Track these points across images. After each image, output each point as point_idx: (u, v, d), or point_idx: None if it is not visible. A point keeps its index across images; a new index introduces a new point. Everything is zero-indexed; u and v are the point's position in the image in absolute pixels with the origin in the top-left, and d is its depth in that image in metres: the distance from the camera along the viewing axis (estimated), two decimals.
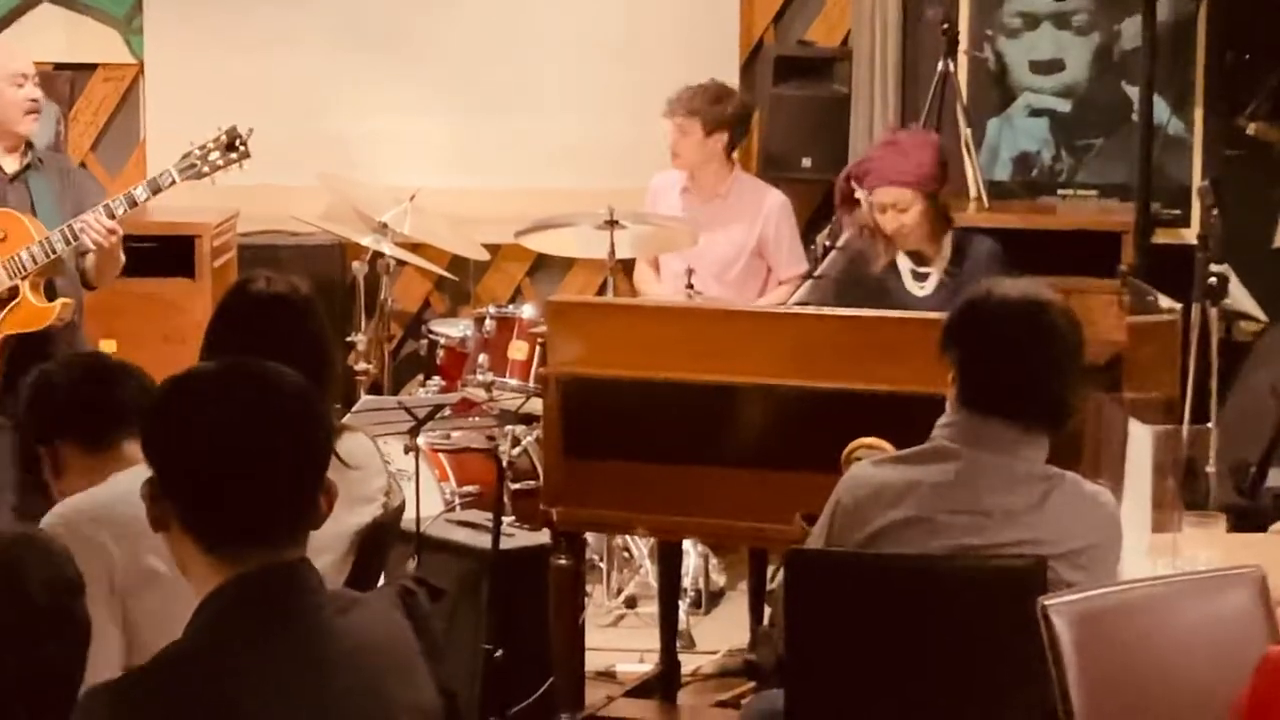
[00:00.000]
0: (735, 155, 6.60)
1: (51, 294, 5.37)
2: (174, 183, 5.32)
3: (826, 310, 4.79)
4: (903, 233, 5.20)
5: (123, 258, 5.39)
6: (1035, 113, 7.04)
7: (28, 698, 2.28)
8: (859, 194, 5.22)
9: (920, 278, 5.25)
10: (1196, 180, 6.66)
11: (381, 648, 2.41)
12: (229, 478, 2.33)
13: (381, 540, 3.84)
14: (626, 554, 6.07)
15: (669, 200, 6.49)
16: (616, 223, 5.80)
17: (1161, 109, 6.69)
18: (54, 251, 5.24)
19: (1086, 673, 3.01)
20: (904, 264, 5.26)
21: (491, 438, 6.13)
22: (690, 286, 6.04)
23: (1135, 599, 3.17)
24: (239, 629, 2.31)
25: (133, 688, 2.30)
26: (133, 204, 5.26)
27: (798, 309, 5.08)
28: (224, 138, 5.33)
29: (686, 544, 5.69)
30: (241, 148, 5.32)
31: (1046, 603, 3.06)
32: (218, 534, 2.35)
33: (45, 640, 2.19)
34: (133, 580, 3.05)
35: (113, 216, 5.22)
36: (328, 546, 3.56)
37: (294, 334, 3.54)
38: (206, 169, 5.32)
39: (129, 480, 2.97)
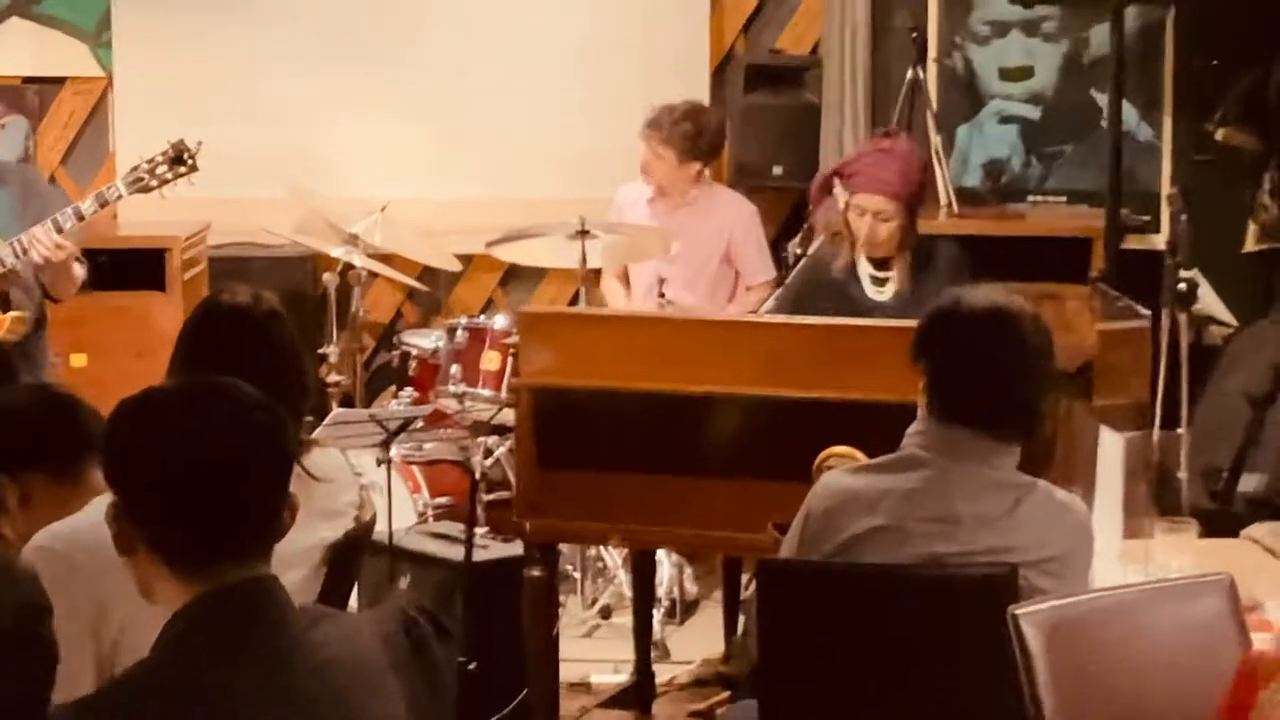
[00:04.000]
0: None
1: (5, 307, 5.34)
2: (121, 197, 5.30)
3: (798, 319, 4.79)
4: (875, 240, 5.19)
5: (79, 272, 5.35)
6: (1005, 119, 7.06)
7: None
8: (838, 190, 5.19)
9: (880, 283, 5.25)
10: (1166, 186, 6.68)
11: (350, 662, 2.41)
12: (192, 495, 2.33)
13: (353, 554, 3.82)
14: (601, 564, 6.06)
15: (636, 212, 6.48)
16: (588, 232, 5.80)
17: (1130, 115, 6.71)
18: (2, 265, 5.22)
19: (1058, 681, 3.01)
20: (864, 268, 5.25)
21: (464, 449, 6.13)
22: (662, 295, 6.05)
23: (1105, 607, 3.18)
24: (206, 645, 2.30)
25: (100, 706, 2.29)
26: (80, 218, 5.24)
27: (769, 318, 5.08)
28: (171, 151, 5.31)
29: (660, 554, 5.70)
30: (190, 161, 5.31)
31: (1017, 611, 3.07)
32: (183, 552, 2.34)
33: (11, 663, 2.18)
34: (129, 607, 2.99)
35: (60, 230, 5.20)
36: (299, 561, 3.54)
37: (263, 347, 3.52)
38: (154, 183, 5.31)
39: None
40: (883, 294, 5.24)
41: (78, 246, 5.31)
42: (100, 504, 3.03)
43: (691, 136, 6.36)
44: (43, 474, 3.24)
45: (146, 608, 2.84)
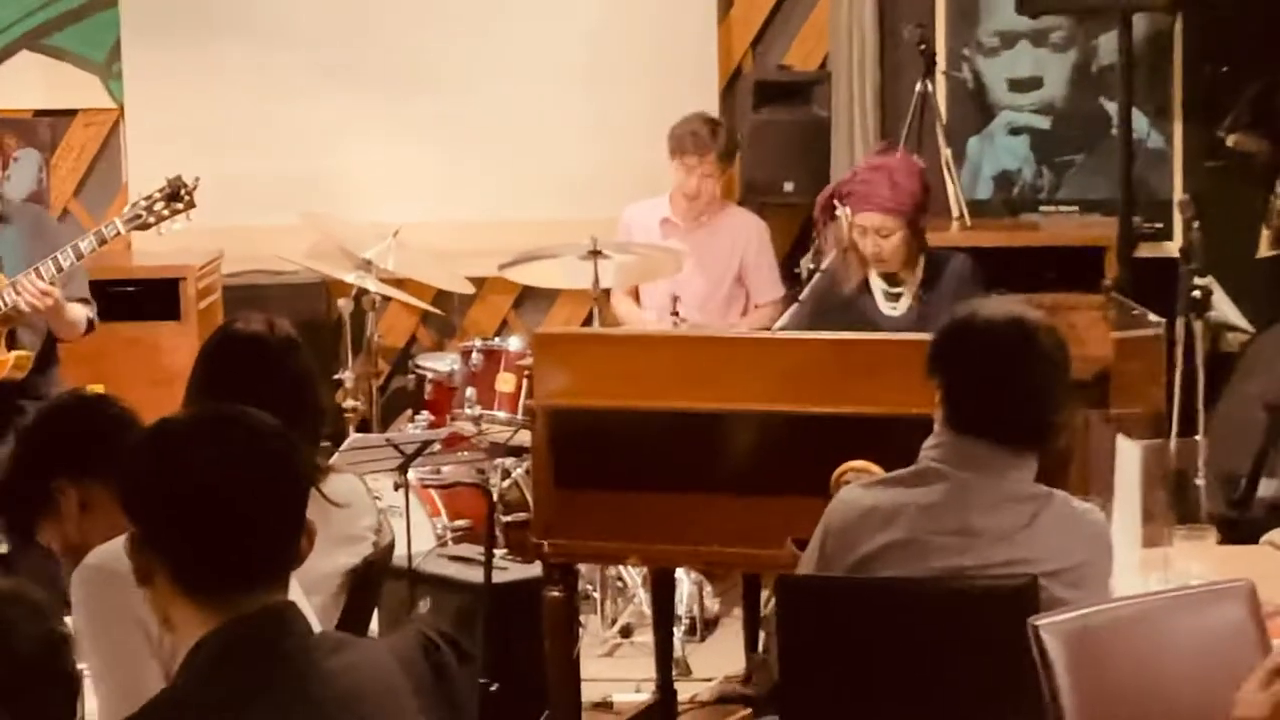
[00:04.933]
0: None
1: (12, 345, 5.35)
2: (119, 233, 5.32)
3: (813, 334, 4.79)
4: (881, 257, 5.19)
5: (78, 315, 5.36)
6: (1015, 130, 7.06)
7: None
8: (840, 212, 5.21)
9: (893, 298, 5.25)
10: (1178, 193, 6.68)
11: (371, 688, 2.41)
12: (208, 523, 2.33)
13: (373, 579, 3.83)
14: (620, 583, 6.06)
15: (646, 232, 6.50)
16: (600, 252, 5.81)
17: (1141, 123, 6.71)
18: (5, 305, 5.23)
19: (1079, 691, 3.00)
20: (877, 284, 5.26)
21: (481, 471, 6.12)
22: (676, 314, 6.05)
23: (1125, 616, 3.16)
24: (228, 674, 2.31)
25: None
26: (79, 256, 5.25)
27: (783, 334, 5.08)
28: (168, 188, 5.33)
29: (680, 572, 5.69)
30: (186, 197, 5.32)
31: (1037, 622, 3.06)
32: (201, 581, 2.35)
33: (33, 693, 2.19)
34: None
35: (60, 269, 5.20)
36: (318, 587, 3.55)
37: (278, 375, 3.54)
38: (152, 219, 5.32)
39: None
40: (896, 309, 5.24)
41: (85, 283, 5.32)
42: None
43: (730, 136, 6.47)
44: (101, 482, 3.22)
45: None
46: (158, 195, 5.33)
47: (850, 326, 4.95)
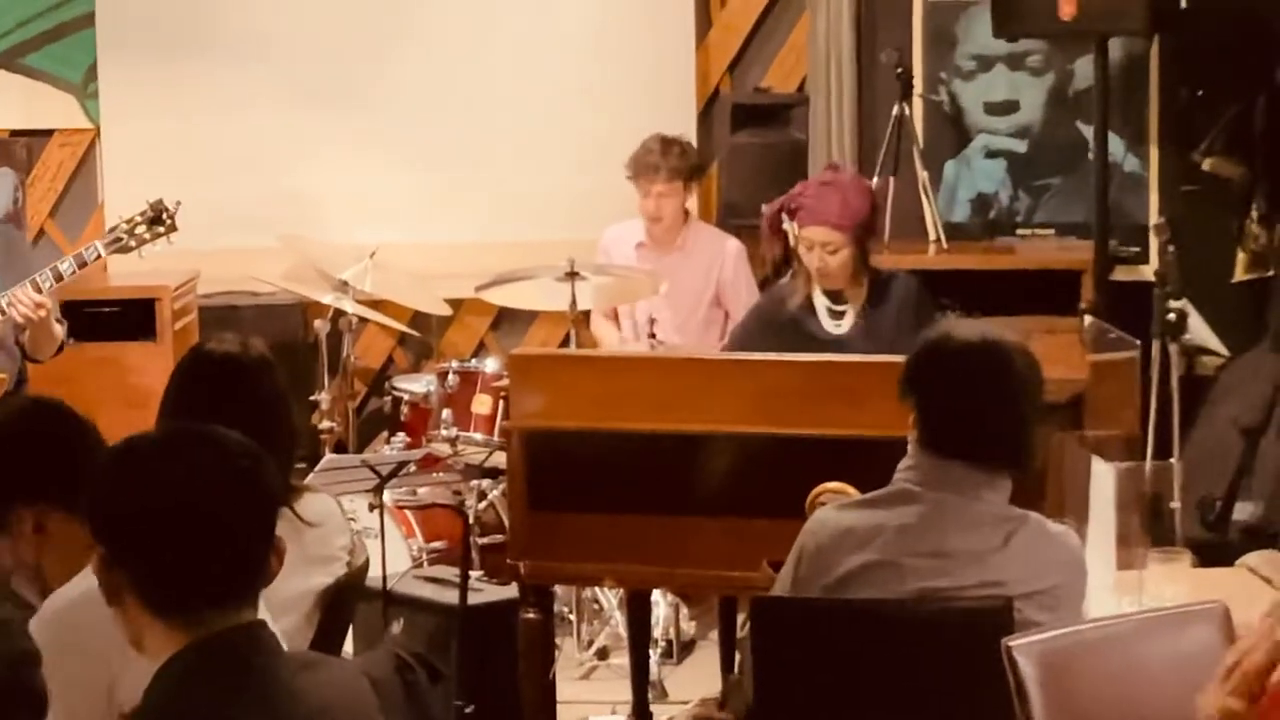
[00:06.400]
0: (693, 204, 6.63)
1: None
2: (100, 257, 5.31)
3: (788, 357, 4.79)
4: (826, 272, 5.21)
5: (59, 331, 5.33)
6: (991, 154, 7.07)
7: None
8: (786, 227, 5.24)
9: (837, 315, 5.27)
10: (1154, 217, 6.69)
11: (341, 707, 2.40)
12: (176, 541, 2.32)
13: (346, 599, 3.83)
14: (596, 605, 6.05)
15: (624, 254, 6.50)
16: (577, 274, 5.81)
17: (1117, 147, 6.73)
18: None
19: (1052, 712, 3.00)
20: (820, 302, 5.28)
21: (457, 493, 6.12)
22: (653, 336, 6.05)
23: (1099, 637, 3.17)
24: (197, 691, 2.30)
25: None
26: (59, 278, 5.23)
27: (759, 356, 5.07)
28: (150, 211, 5.32)
29: (656, 594, 5.68)
30: (168, 221, 5.32)
31: (1011, 643, 3.06)
32: (169, 599, 2.34)
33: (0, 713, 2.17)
34: (138, 671, 2.90)
35: (40, 291, 5.19)
36: (292, 607, 3.54)
37: (251, 395, 3.53)
38: (133, 243, 5.32)
39: None
40: (840, 326, 5.26)
41: (57, 304, 5.31)
42: None
43: (687, 156, 6.44)
44: (58, 505, 3.12)
45: (152, 667, 2.77)
46: (139, 219, 5.32)
47: (793, 345, 4.96)
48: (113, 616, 2.41)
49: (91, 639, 2.81)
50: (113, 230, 5.33)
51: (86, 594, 2.94)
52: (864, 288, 5.26)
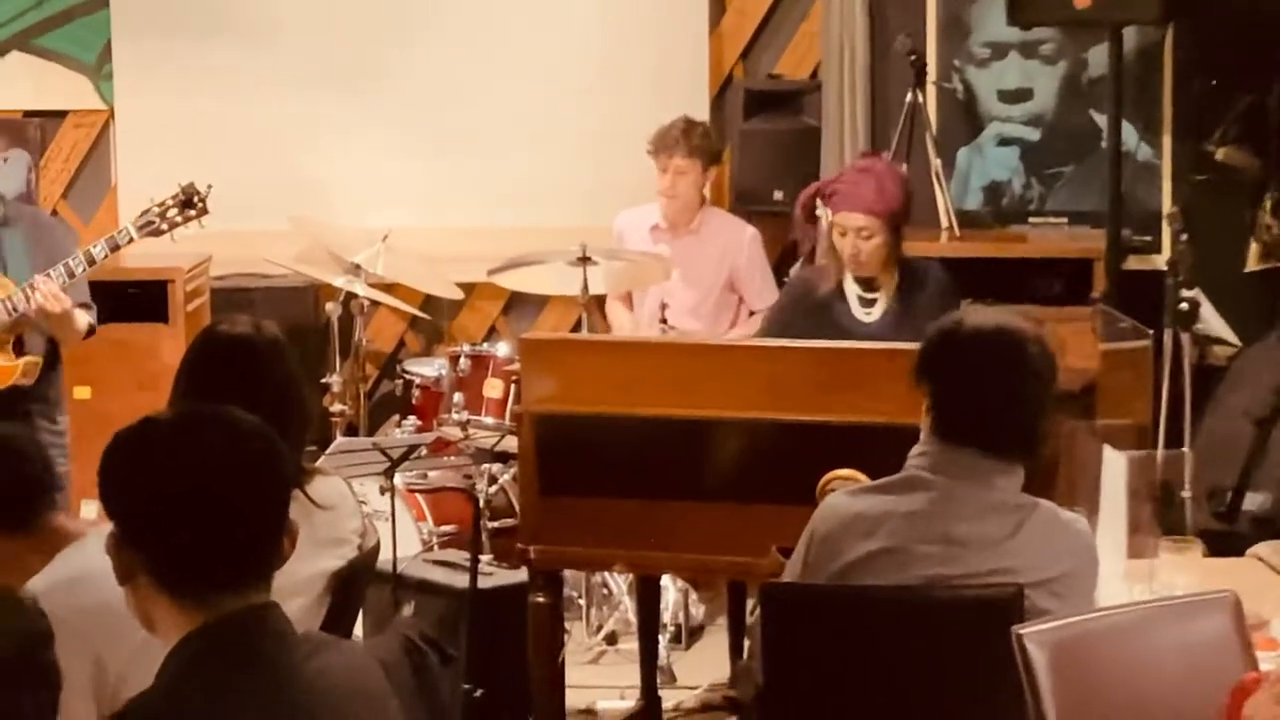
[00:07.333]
0: (707, 190, 6.62)
1: (20, 351, 5.32)
2: (132, 240, 5.30)
3: (799, 343, 4.79)
4: (859, 259, 5.22)
5: (82, 322, 5.32)
6: (1004, 141, 7.06)
7: None
8: (820, 212, 5.24)
9: (867, 304, 5.27)
10: (1166, 206, 6.69)
11: (352, 689, 2.40)
12: (189, 522, 2.33)
13: (357, 582, 3.82)
14: (605, 590, 6.05)
15: (638, 238, 6.50)
16: (589, 259, 5.81)
17: (1130, 136, 6.72)
18: (15, 310, 5.19)
19: (1062, 700, 3.00)
20: (851, 289, 5.28)
21: (468, 476, 6.12)
22: (664, 321, 6.05)
23: (1110, 625, 3.17)
24: (210, 675, 2.30)
25: None
26: (91, 262, 5.23)
27: (770, 342, 5.08)
28: (182, 195, 5.32)
29: (665, 579, 5.69)
30: (200, 204, 5.31)
31: (1021, 631, 3.06)
32: (182, 580, 2.35)
33: (14, 690, 2.18)
34: (123, 655, 2.94)
35: (72, 275, 5.18)
36: (302, 589, 3.54)
37: (263, 376, 3.52)
38: (165, 226, 5.31)
39: (83, 557, 2.90)
40: (870, 315, 5.26)
41: (87, 286, 5.30)
42: (81, 554, 2.96)
43: (705, 137, 6.44)
44: (4, 531, 3.09)
45: (142, 653, 2.72)
46: (170, 202, 5.31)
47: (823, 332, 4.96)
48: (123, 596, 2.42)
49: (66, 626, 2.69)
50: (145, 213, 5.32)
51: (50, 579, 2.93)
52: (895, 276, 5.26)
